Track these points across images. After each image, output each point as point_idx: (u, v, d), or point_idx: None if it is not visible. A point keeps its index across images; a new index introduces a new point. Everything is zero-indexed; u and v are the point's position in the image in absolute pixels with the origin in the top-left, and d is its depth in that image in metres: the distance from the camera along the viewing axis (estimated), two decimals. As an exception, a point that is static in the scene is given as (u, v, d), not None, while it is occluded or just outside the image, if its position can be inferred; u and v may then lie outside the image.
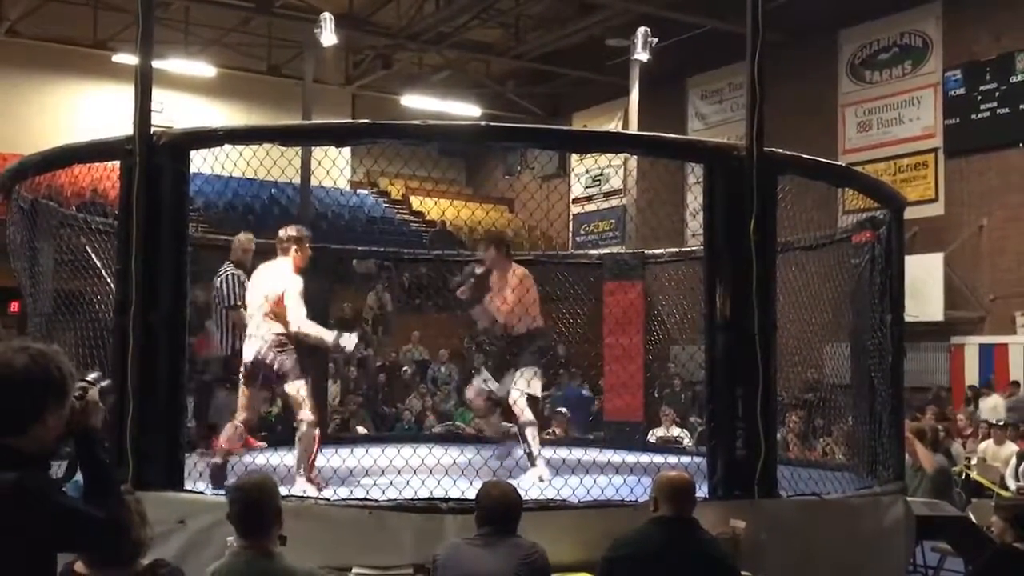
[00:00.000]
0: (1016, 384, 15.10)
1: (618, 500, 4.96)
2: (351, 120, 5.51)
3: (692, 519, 4.14)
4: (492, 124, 4.90)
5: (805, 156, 5.45)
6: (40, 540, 2.38)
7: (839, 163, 6.21)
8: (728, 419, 5.07)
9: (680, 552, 4.00)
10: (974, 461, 11.30)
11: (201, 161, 5.23)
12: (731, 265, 5.06)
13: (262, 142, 5.11)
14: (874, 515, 5.60)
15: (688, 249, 9.06)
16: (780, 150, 5.26)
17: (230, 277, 7.44)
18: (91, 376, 2.72)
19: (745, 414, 5.00)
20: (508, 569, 3.82)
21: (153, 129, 5.06)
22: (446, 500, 4.75)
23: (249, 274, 6.70)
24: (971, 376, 16.39)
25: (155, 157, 5.01)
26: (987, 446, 11.53)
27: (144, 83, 4.95)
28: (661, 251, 9.09)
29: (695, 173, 20.60)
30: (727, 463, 5.01)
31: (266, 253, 6.53)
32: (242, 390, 6.07)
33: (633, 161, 15.56)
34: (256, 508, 3.73)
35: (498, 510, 4.04)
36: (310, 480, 5.54)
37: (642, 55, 14.54)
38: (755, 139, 5.06)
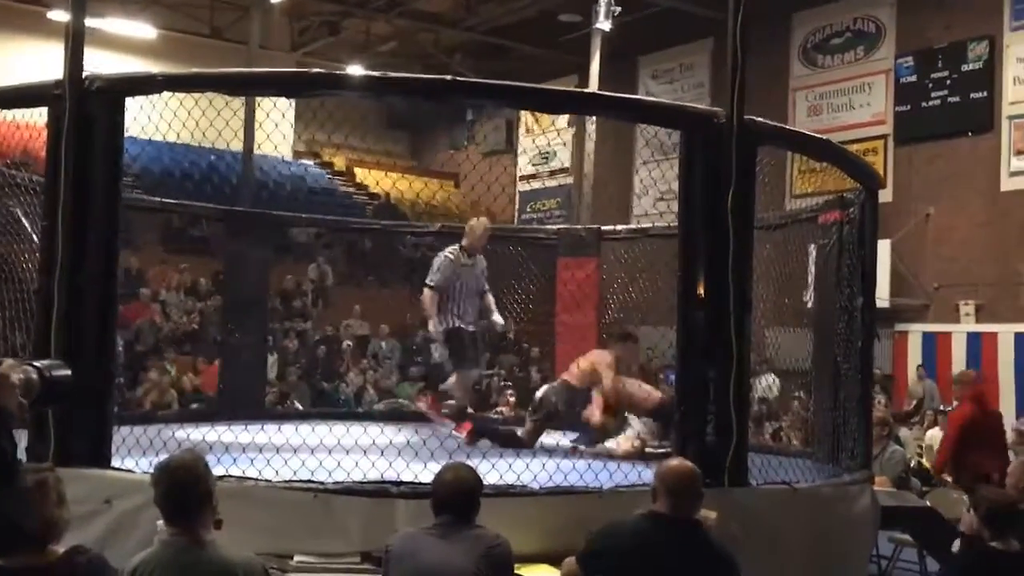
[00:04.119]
0: (922, 368, 15.41)
1: (582, 486, 4.64)
2: (303, 69, 5.10)
3: (695, 523, 3.72)
4: (456, 79, 4.54)
5: (786, 127, 5.18)
6: None
7: (820, 136, 5.93)
8: (699, 403, 4.78)
9: (679, 558, 3.61)
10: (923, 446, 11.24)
11: (138, 127, 4.83)
12: (707, 239, 4.77)
13: (204, 90, 4.70)
14: (844, 504, 5.38)
15: (646, 226, 8.80)
16: (761, 119, 4.97)
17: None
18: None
19: (717, 398, 4.73)
20: (468, 562, 3.48)
21: (85, 73, 4.64)
22: (397, 484, 4.41)
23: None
24: (914, 363, 16.43)
25: (87, 104, 4.59)
26: (934, 433, 11.47)
27: (77, 18, 4.51)
28: (620, 227, 8.81)
29: (642, 154, 20.51)
30: (697, 449, 4.71)
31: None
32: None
33: (590, 138, 15.35)
34: (183, 491, 3.35)
35: (453, 496, 3.69)
36: None
37: (604, 24, 14.21)
38: (735, 106, 4.77)
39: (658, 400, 6.90)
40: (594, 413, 6.82)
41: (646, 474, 4.84)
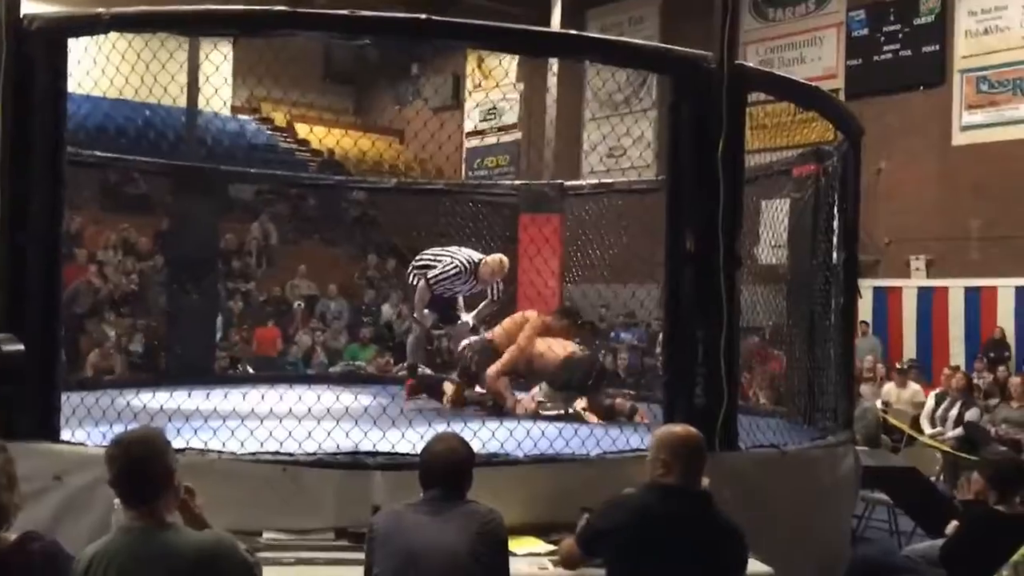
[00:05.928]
0: (865, 324, 15.37)
1: (568, 454, 4.39)
2: (266, 7, 4.66)
3: (704, 494, 3.45)
4: (434, 18, 4.21)
5: (775, 72, 4.92)
6: None
7: (807, 82, 5.69)
8: (687, 364, 4.55)
9: (691, 532, 3.35)
10: (878, 404, 11.19)
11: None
12: (696, 191, 4.51)
13: (156, 30, 4.32)
14: (830, 466, 5.21)
15: (610, 181, 8.53)
16: (749, 63, 4.70)
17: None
18: None
19: (706, 358, 4.49)
20: (462, 540, 3.19)
21: (23, 13, 4.23)
22: (374, 454, 4.13)
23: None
24: (866, 318, 16.43)
25: (26, 46, 4.20)
26: (889, 389, 11.47)
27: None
28: (582, 183, 8.54)
29: (590, 108, 20.22)
30: (686, 412, 4.47)
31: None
32: None
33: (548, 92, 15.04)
34: (142, 469, 3.02)
35: (444, 469, 3.38)
36: None
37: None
38: (726, 50, 4.49)
39: (563, 358, 6.55)
40: (493, 374, 6.57)
41: (634, 440, 4.63)
